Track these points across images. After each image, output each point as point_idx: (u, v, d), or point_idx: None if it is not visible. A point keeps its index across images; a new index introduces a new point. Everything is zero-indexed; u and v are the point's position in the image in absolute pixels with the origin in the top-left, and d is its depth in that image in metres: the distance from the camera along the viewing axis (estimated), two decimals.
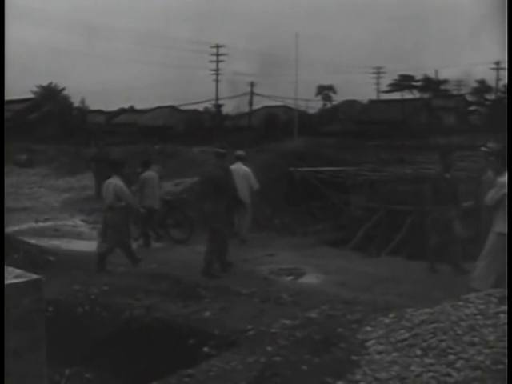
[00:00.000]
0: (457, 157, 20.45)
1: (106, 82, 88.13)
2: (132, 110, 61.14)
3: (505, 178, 8.58)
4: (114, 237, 10.87)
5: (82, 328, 7.82)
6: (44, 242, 13.05)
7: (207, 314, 7.71)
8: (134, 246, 12.52)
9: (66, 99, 57.42)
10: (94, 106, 60.70)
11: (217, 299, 8.28)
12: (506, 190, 8.38)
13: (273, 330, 6.81)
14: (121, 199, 10.85)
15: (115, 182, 11.00)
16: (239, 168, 13.30)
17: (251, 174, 13.67)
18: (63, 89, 58.01)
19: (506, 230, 8.26)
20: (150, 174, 13.94)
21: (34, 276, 4.41)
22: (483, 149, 11.52)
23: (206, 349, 6.91)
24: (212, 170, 10.95)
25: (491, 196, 8.81)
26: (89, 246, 14.46)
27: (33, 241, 11.71)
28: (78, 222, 16.45)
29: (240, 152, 14.05)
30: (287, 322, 7.07)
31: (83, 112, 57.97)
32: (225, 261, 10.94)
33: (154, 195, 13.69)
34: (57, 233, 15.13)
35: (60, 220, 16.10)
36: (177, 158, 26.61)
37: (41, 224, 15.73)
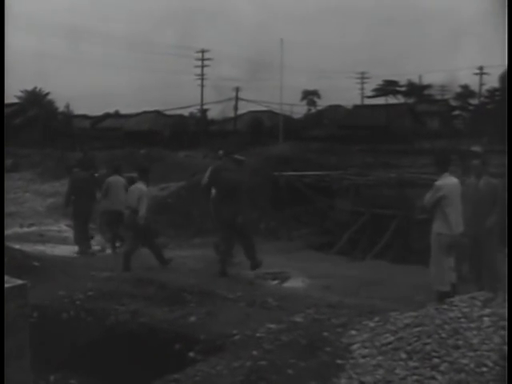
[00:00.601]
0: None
1: (91, 86, 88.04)
2: (117, 114, 61.06)
3: (441, 182, 9.03)
4: (137, 238, 11.44)
5: (67, 333, 7.78)
6: (29, 247, 12.99)
7: (193, 318, 7.69)
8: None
9: (50, 104, 57.21)
10: (79, 110, 60.66)
11: (202, 304, 8.27)
12: (442, 193, 8.88)
13: (258, 335, 6.82)
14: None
15: (141, 187, 11.65)
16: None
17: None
18: (48, 93, 57.85)
19: (442, 230, 8.85)
20: (116, 178, 14.21)
21: (19, 281, 4.41)
22: (474, 148, 11.65)
23: (191, 354, 6.90)
24: (233, 175, 11.10)
25: (427, 198, 9.16)
26: (74, 251, 14.46)
27: (17, 246, 11.64)
28: (62, 227, 16.38)
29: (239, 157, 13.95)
30: (273, 326, 7.08)
31: (68, 117, 57.79)
32: (256, 258, 10.98)
33: (119, 199, 13.66)
34: (42, 238, 15.07)
35: (45, 225, 16.03)
36: (162, 163, 26.59)
37: (25, 229, 15.66)
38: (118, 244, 13.97)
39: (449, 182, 9.04)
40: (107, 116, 60.05)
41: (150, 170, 12.91)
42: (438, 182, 9.08)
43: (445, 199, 8.90)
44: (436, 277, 9.04)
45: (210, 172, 11.23)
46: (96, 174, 19.06)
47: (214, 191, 11.40)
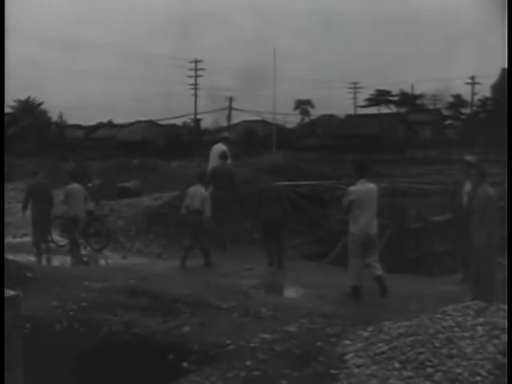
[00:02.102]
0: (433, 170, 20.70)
1: (84, 96, 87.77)
2: (111, 124, 60.97)
3: (353, 187, 9.90)
4: (197, 237, 12.58)
5: (61, 344, 7.76)
6: (22, 258, 12.93)
7: (186, 328, 7.68)
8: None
9: (44, 114, 57.17)
10: (72, 120, 60.49)
11: (196, 314, 8.26)
12: (352, 197, 9.75)
13: (252, 345, 6.82)
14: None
15: (202, 190, 12.85)
16: None
17: None
18: (41, 103, 57.80)
19: (354, 230, 9.77)
20: (75, 186, 14.73)
21: (12, 292, 4.40)
22: (467, 158, 11.70)
23: (185, 364, 6.89)
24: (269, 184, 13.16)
25: (343, 202, 10.04)
26: (66, 261, 14.41)
27: (10, 256, 11.59)
28: (55, 238, 16.31)
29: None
30: (266, 336, 7.08)
31: (61, 126, 57.71)
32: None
33: (77, 205, 14.45)
34: (34, 248, 15.00)
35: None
36: (156, 173, 26.58)
37: (18, 239, 15.58)
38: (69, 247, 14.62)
39: (361, 187, 9.84)
40: (100, 126, 59.99)
41: (205, 174, 14.01)
42: (351, 188, 9.97)
43: (355, 203, 9.71)
44: (349, 272, 9.95)
45: (260, 194, 12.92)
46: (89, 184, 19.07)
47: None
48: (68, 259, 14.43)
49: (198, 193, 12.83)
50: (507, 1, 8.64)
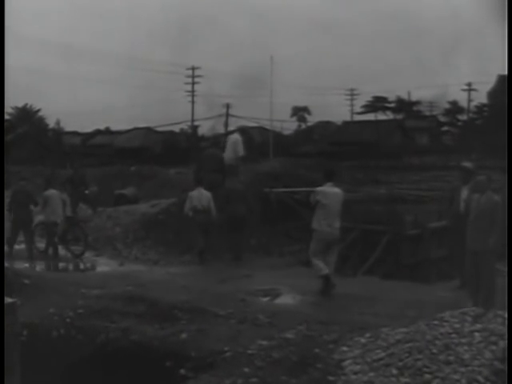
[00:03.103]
0: (431, 177, 20.73)
1: (81, 103, 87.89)
2: (108, 131, 60.94)
3: (320, 188, 10.87)
4: (208, 233, 14.07)
5: (58, 351, 7.74)
6: (19, 265, 12.93)
7: (184, 335, 7.68)
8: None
9: (41, 120, 57.18)
10: (69, 127, 60.45)
11: (193, 321, 8.25)
12: (317, 197, 10.74)
13: (250, 351, 6.81)
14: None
15: (206, 192, 14.25)
16: None
17: None
18: (38, 110, 57.81)
19: (315, 226, 10.67)
20: (52, 192, 15.18)
21: (9, 299, 4.39)
22: (464, 164, 11.72)
23: (182, 371, 6.88)
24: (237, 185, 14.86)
25: (311, 200, 10.92)
26: (64, 267, 14.41)
27: (7, 264, 11.58)
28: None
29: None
30: (264, 342, 7.07)
31: (58, 133, 57.66)
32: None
33: (54, 211, 14.92)
34: (31, 255, 14.99)
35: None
36: (153, 180, 26.55)
37: (16, 246, 15.55)
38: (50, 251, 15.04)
39: (327, 190, 10.85)
40: (98, 133, 59.93)
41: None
42: (318, 188, 10.96)
43: (320, 202, 10.70)
44: (314, 267, 10.74)
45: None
46: (86, 191, 19.09)
47: None
48: (65, 266, 14.45)
49: (204, 194, 14.21)
50: (507, 7, 8.68)
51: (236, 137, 16.99)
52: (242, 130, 18.92)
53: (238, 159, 16.94)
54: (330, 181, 10.99)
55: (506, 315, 6.24)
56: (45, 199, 15.02)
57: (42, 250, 15.43)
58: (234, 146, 16.70)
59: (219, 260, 14.36)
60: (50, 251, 15.08)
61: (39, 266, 14.14)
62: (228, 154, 16.58)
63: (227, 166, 16.33)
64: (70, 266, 14.79)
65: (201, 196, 14.20)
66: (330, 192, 10.87)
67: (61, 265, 14.68)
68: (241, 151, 16.75)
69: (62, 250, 15.83)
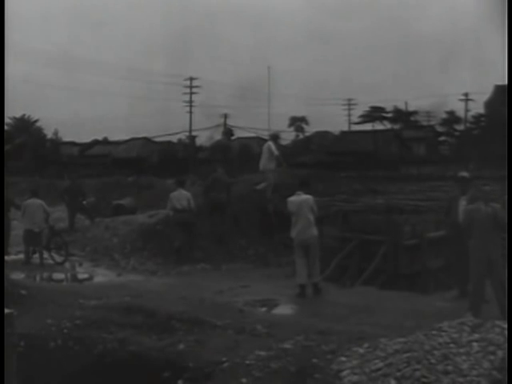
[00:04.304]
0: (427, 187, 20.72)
1: (79, 113, 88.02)
2: (106, 141, 61.01)
3: (291, 198, 11.85)
4: (188, 232, 15.38)
5: (55, 362, 7.71)
6: (16, 276, 12.90)
7: (182, 346, 7.65)
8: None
9: (39, 131, 57.23)
10: (67, 137, 60.50)
11: (191, 331, 8.23)
12: (288, 206, 11.86)
13: (248, 362, 6.79)
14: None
15: (186, 193, 15.73)
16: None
17: None
18: (36, 120, 57.91)
19: (292, 235, 11.73)
20: (33, 201, 15.67)
21: (6, 310, 4.38)
22: (462, 174, 11.74)
23: (180, 382, 6.87)
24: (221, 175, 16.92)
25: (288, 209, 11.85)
26: (61, 278, 14.38)
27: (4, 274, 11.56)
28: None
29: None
30: (262, 353, 7.05)
31: (56, 144, 57.72)
32: None
33: (33, 220, 15.35)
34: (29, 266, 14.97)
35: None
36: (151, 190, 26.53)
37: (13, 257, 15.55)
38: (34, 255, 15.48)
39: (293, 199, 11.79)
40: (95, 143, 60.00)
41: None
42: (288, 198, 11.99)
43: (290, 211, 11.81)
44: (296, 272, 11.77)
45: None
46: (84, 202, 19.09)
47: None
48: (63, 276, 14.44)
49: (183, 195, 15.63)
50: (507, 17, 8.72)
51: (268, 144, 18.00)
52: (274, 136, 19.83)
53: (274, 158, 17.76)
54: (300, 190, 11.88)
55: (507, 317, 6.23)
56: (24, 208, 15.55)
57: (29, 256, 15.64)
58: (268, 151, 17.62)
59: (217, 270, 14.37)
60: (25, 259, 15.35)
61: (36, 277, 14.13)
62: (263, 162, 17.64)
63: (263, 173, 17.81)
64: (68, 277, 14.77)
65: (180, 196, 15.57)
66: (297, 200, 11.75)
67: (58, 275, 14.65)
68: (275, 151, 17.70)
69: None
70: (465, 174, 11.93)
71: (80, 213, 19.61)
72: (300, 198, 11.76)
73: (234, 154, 45.66)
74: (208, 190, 16.79)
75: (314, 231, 11.79)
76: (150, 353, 7.56)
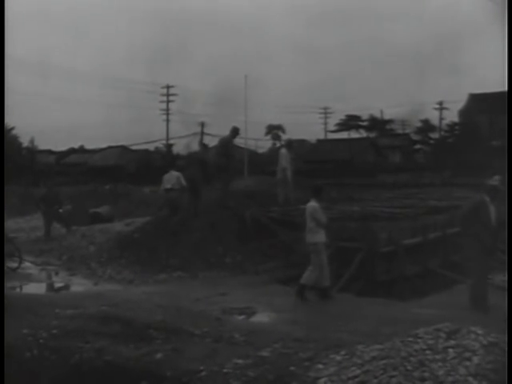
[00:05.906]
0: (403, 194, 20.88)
1: (55, 121, 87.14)
2: (82, 149, 60.72)
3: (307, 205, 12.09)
4: (174, 208, 17.53)
5: (31, 372, 7.65)
6: None
7: (159, 355, 7.63)
8: None
9: (15, 139, 56.66)
10: (43, 145, 60.03)
11: (169, 340, 8.20)
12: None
13: (225, 370, 6.79)
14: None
15: (176, 174, 17.98)
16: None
17: None
18: (12, 128, 57.27)
19: (312, 240, 11.83)
20: None
21: None
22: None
23: None
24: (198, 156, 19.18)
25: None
26: (38, 288, 14.25)
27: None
28: (26, 264, 16.15)
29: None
30: (240, 361, 7.06)
31: (32, 152, 57.27)
32: None
33: None
34: (5, 275, 14.81)
35: (8, 262, 15.78)
36: (128, 198, 26.45)
37: None
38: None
39: (309, 205, 12.02)
40: (72, 151, 59.70)
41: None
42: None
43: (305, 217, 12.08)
44: (309, 277, 11.97)
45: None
46: (61, 210, 18.96)
47: None
48: (39, 286, 14.31)
49: (173, 175, 17.89)
50: (501, 21, 8.85)
51: (283, 150, 19.87)
52: (288, 143, 22.02)
53: (288, 162, 19.21)
54: (312, 197, 12.15)
55: (506, 320, 6.31)
56: None
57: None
58: (284, 157, 19.21)
59: (195, 278, 14.34)
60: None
61: (11, 286, 14.00)
62: (280, 166, 19.19)
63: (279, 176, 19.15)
64: (44, 286, 14.66)
65: (170, 177, 17.82)
66: (309, 206, 12.05)
67: (34, 285, 14.52)
68: (288, 156, 19.34)
69: (34, 270, 15.80)
70: (495, 182, 11.40)
71: (56, 221, 19.49)
72: (307, 206, 12.18)
73: (210, 165, 45.68)
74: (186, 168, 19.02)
75: (312, 238, 11.96)
76: (127, 362, 7.52)
